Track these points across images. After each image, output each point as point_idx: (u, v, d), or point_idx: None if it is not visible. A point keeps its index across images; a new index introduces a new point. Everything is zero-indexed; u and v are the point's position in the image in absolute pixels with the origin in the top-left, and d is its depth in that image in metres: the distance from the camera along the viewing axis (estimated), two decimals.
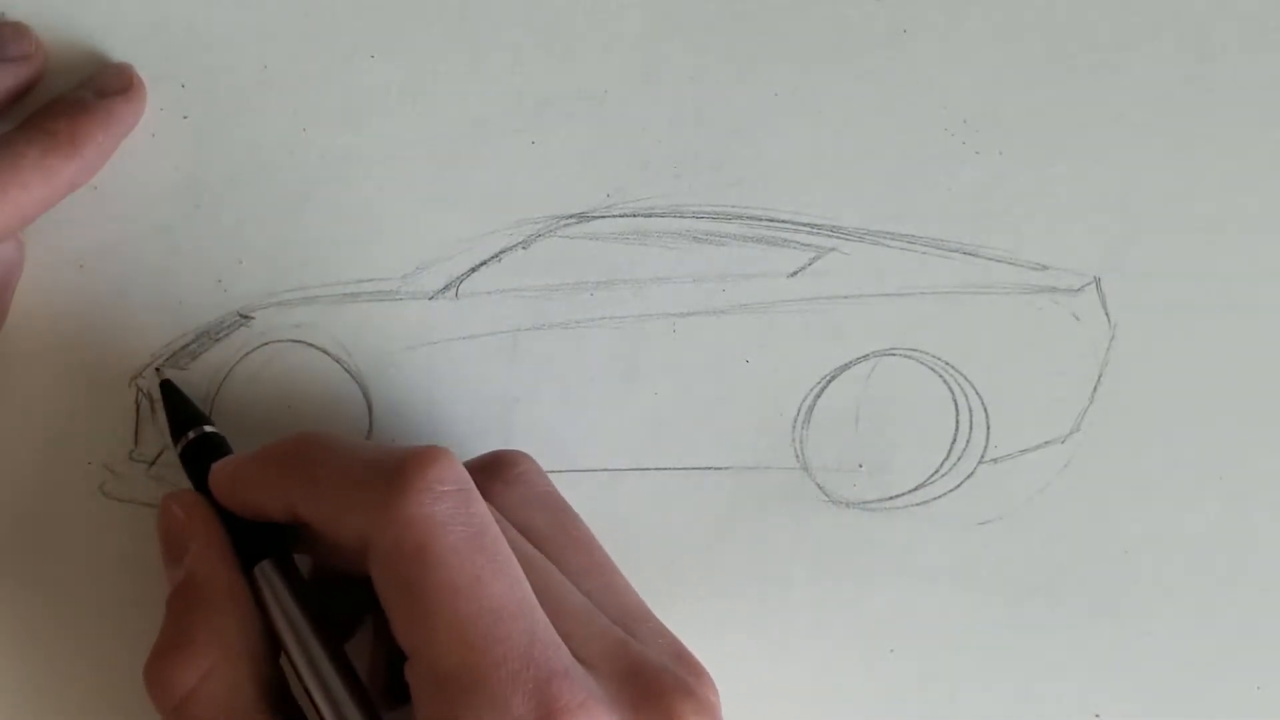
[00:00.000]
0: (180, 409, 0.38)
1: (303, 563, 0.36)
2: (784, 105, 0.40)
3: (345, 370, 0.39)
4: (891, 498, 0.40)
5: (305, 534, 0.34)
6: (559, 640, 0.31)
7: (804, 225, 0.40)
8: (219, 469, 0.36)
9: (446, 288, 0.39)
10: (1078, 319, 0.40)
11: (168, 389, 0.38)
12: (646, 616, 0.35)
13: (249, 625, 0.34)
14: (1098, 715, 0.40)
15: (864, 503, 0.40)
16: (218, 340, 0.39)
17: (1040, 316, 0.40)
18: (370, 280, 0.39)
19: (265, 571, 0.34)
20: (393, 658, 0.34)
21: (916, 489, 0.40)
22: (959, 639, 0.40)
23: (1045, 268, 0.40)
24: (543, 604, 0.32)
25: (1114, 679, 0.40)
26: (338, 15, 0.39)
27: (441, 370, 0.39)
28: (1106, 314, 0.40)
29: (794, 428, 0.40)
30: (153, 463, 0.39)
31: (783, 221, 0.40)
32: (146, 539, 0.39)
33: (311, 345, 0.39)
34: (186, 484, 0.37)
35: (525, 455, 0.37)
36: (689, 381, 0.40)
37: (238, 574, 0.35)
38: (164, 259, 0.39)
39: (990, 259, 0.40)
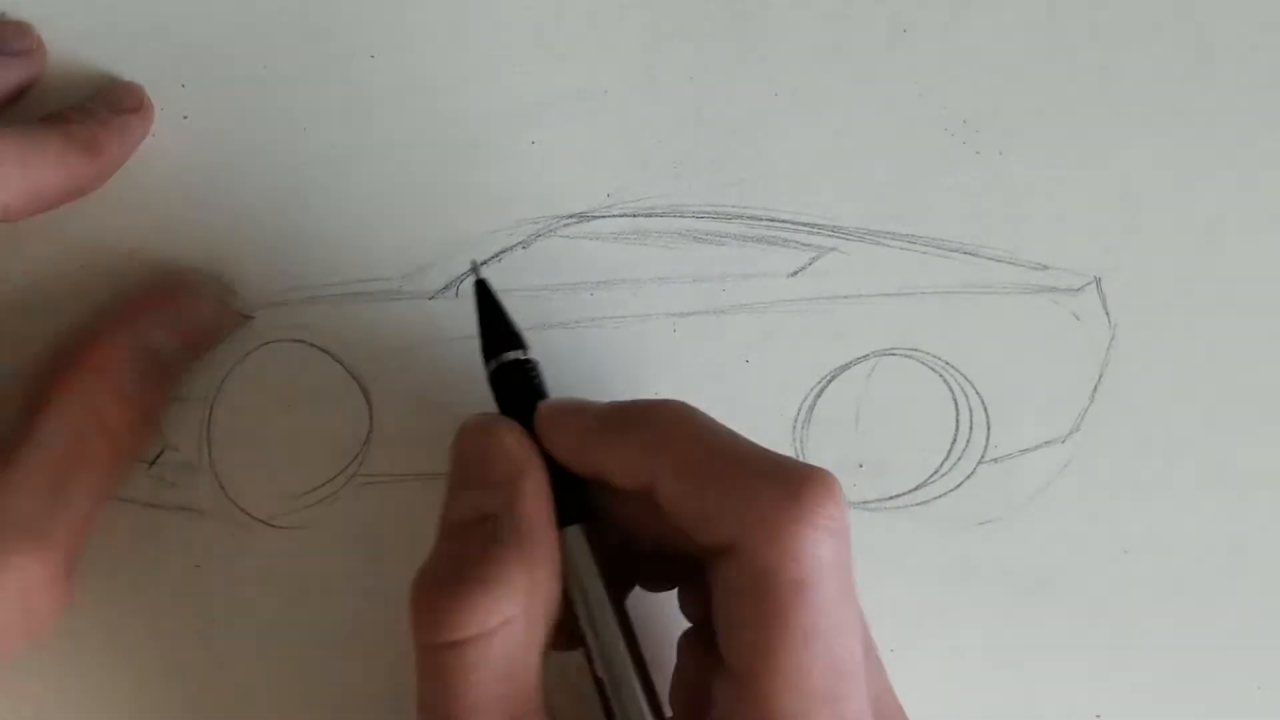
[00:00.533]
0: (496, 323, 0.35)
1: None
2: (784, 105, 0.40)
3: (345, 370, 0.39)
4: (891, 497, 0.40)
5: (616, 496, 0.33)
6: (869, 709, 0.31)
7: (804, 225, 0.40)
8: (554, 416, 0.34)
9: (447, 287, 0.39)
10: (1078, 319, 0.40)
11: (482, 291, 0.36)
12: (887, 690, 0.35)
13: (557, 588, 0.33)
14: (1098, 715, 0.40)
15: (864, 502, 0.40)
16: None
17: (1040, 316, 0.40)
18: (370, 280, 0.39)
19: (576, 536, 0.33)
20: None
21: (916, 489, 0.40)
22: (959, 639, 0.40)
23: (1045, 267, 0.40)
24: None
25: (1114, 679, 0.40)
26: (337, 15, 0.39)
27: (442, 370, 0.39)
28: (1107, 314, 0.40)
29: (794, 427, 0.40)
30: (152, 462, 0.39)
31: (783, 221, 0.40)
32: (145, 538, 0.39)
33: (312, 345, 0.39)
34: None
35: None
36: (689, 381, 0.40)
37: (556, 532, 0.33)
38: (164, 259, 0.39)
39: (990, 259, 0.40)
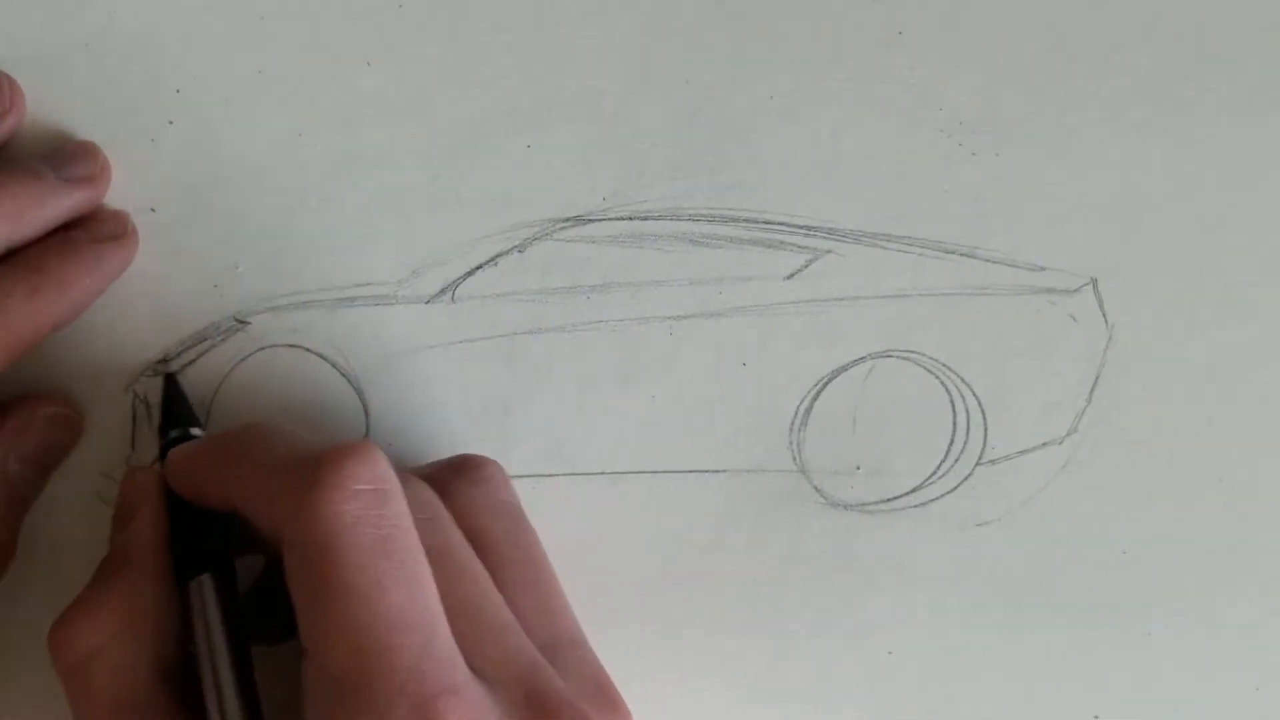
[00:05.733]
0: (174, 407, 0.38)
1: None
2: (780, 107, 0.39)
3: (342, 375, 0.39)
4: (889, 500, 0.40)
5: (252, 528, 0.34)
6: (457, 657, 0.30)
7: (800, 228, 0.40)
8: (175, 454, 0.36)
9: (443, 292, 0.39)
10: (1075, 320, 0.40)
11: (170, 384, 0.38)
12: (575, 643, 0.34)
13: (162, 601, 0.34)
14: (1096, 716, 0.40)
15: (862, 505, 0.40)
16: (214, 345, 0.39)
17: (1037, 318, 0.40)
18: (366, 285, 0.39)
19: (201, 585, 0.34)
20: None
21: (914, 491, 0.40)
22: (957, 641, 0.40)
23: (1042, 269, 0.40)
24: (458, 616, 0.31)
25: (1113, 680, 0.40)
26: (333, 19, 0.39)
27: (439, 374, 0.39)
28: (1104, 315, 0.40)
29: (791, 430, 0.40)
30: (151, 465, 0.39)
31: (779, 224, 0.40)
32: None
33: (308, 350, 0.39)
34: None
35: (494, 462, 0.37)
36: (686, 384, 0.40)
37: (164, 552, 0.35)
38: (160, 264, 0.39)
39: (987, 260, 0.40)
